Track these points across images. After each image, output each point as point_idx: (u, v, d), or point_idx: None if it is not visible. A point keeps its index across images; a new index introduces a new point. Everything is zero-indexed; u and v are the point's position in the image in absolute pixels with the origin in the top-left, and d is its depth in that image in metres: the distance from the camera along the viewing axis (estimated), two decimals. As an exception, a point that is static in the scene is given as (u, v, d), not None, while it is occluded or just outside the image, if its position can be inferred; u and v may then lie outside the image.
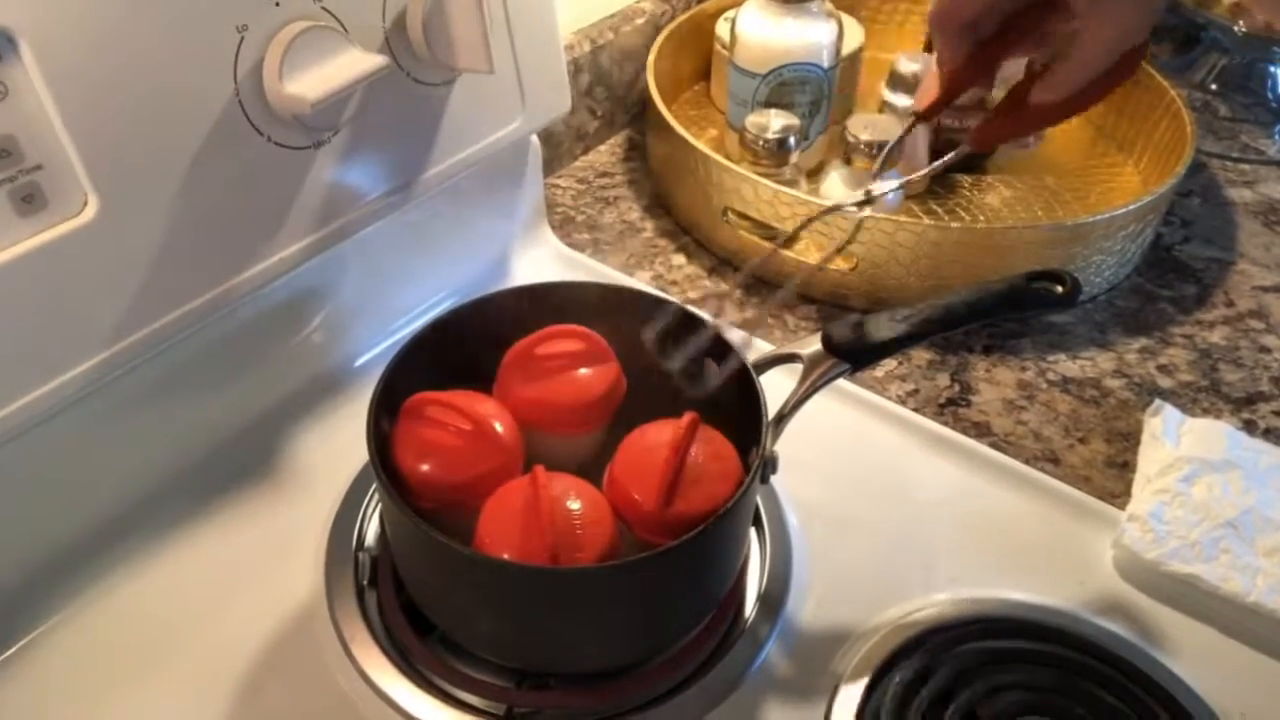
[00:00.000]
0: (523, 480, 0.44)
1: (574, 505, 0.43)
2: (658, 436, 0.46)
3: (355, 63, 0.48)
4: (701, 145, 0.73)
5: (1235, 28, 0.89)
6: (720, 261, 0.75)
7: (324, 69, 0.47)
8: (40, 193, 0.41)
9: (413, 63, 0.53)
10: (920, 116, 0.44)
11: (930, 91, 0.44)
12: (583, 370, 0.49)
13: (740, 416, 0.47)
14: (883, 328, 0.48)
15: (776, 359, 0.49)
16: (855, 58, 0.83)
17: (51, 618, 0.49)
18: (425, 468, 0.44)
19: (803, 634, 0.50)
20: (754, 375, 0.47)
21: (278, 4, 0.46)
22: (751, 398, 0.46)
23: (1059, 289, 0.49)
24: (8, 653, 0.48)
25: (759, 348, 0.63)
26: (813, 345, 0.48)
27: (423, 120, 0.56)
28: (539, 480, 0.43)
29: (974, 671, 0.47)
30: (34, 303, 0.42)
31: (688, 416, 0.46)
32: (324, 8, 0.48)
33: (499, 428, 0.45)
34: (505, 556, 0.41)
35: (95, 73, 0.41)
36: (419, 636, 0.48)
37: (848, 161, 0.73)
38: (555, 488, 0.43)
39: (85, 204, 0.43)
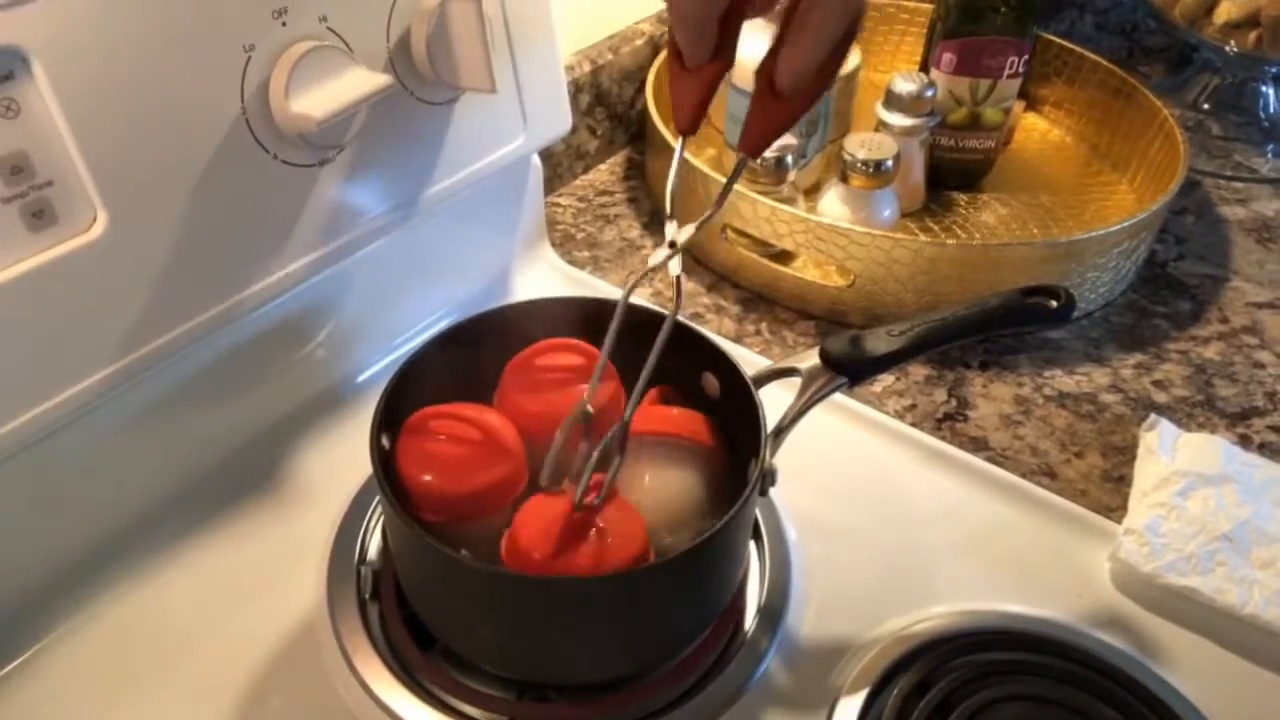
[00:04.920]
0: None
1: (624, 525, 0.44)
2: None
3: (360, 82, 0.48)
4: (700, 164, 0.73)
5: (1226, 48, 0.90)
6: (719, 278, 0.76)
7: (329, 88, 0.48)
8: (51, 208, 0.42)
9: (416, 82, 0.54)
10: (685, 132, 0.41)
11: (684, 104, 0.40)
12: (583, 385, 0.50)
13: (739, 429, 0.48)
14: (880, 342, 0.49)
15: (775, 373, 0.50)
16: (852, 78, 0.84)
17: (56, 630, 0.49)
18: (430, 479, 0.44)
19: (802, 646, 0.50)
20: (753, 389, 0.48)
21: (284, 24, 0.47)
22: (750, 411, 0.47)
23: (1053, 303, 0.50)
24: (14, 664, 0.48)
25: (757, 362, 0.63)
26: (811, 359, 0.49)
27: (426, 138, 0.57)
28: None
29: (973, 683, 0.47)
30: (43, 317, 0.43)
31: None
32: (329, 28, 0.49)
33: (506, 436, 0.46)
34: (535, 555, 0.41)
35: (106, 91, 0.42)
36: (421, 649, 0.48)
37: (845, 179, 0.74)
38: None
39: (94, 220, 0.43)
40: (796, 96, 0.38)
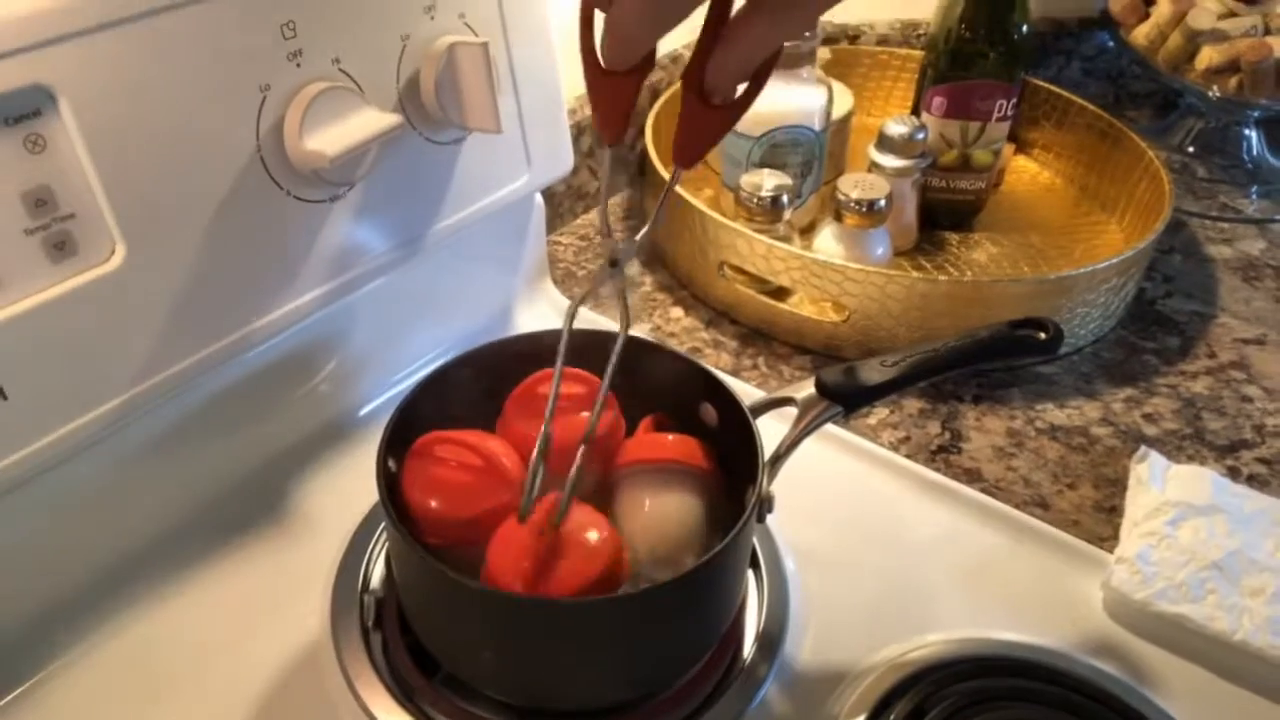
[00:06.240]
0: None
1: (591, 536, 0.44)
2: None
3: (371, 121, 0.50)
4: (699, 203, 0.75)
5: (1210, 93, 0.92)
6: (717, 314, 0.78)
7: (341, 127, 0.50)
8: (72, 240, 0.43)
9: (425, 122, 0.56)
10: (615, 143, 0.39)
11: (614, 112, 0.38)
12: (583, 414, 0.51)
13: (737, 458, 0.49)
14: (874, 372, 0.50)
15: (772, 403, 0.51)
16: (845, 121, 0.87)
17: (60, 657, 0.50)
18: (434, 504, 0.45)
19: (800, 673, 0.51)
20: (750, 418, 0.49)
21: (299, 66, 0.49)
22: (748, 439, 0.48)
23: (1042, 335, 0.51)
24: (18, 690, 0.48)
25: (754, 394, 0.64)
26: (806, 389, 0.50)
27: (433, 177, 0.59)
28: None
29: (967, 710, 0.48)
30: (61, 345, 0.44)
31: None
32: (342, 69, 0.51)
33: (507, 464, 0.47)
34: (516, 589, 0.42)
35: (128, 127, 0.43)
36: (424, 675, 0.49)
37: (839, 218, 0.76)
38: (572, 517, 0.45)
39: (113, 252, 0.45)
40: (727, 104, 0.36)
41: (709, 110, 0.36)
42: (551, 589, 0.43)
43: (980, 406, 0.69)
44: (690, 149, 0.39)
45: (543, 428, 0.45)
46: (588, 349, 0.53)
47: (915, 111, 0.86)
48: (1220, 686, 0.51)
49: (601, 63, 0.37)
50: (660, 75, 0.92)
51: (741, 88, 0.37)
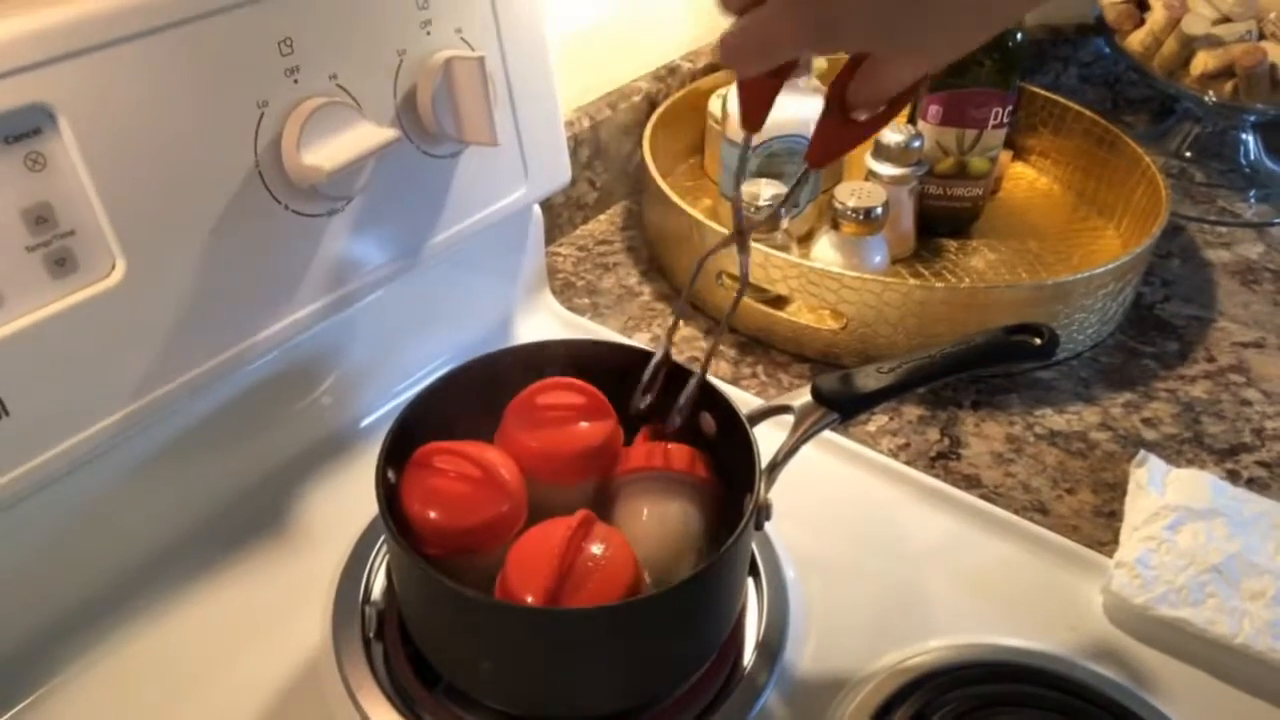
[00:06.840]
0: (565, 521, 0.45)
1: (597, 549, 0.44)
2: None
3: (368, 135, 0.51)
4: (697, 213, 0.76)
5: (1206, 98, 0.93)
6: (715, 323, 0.78)
7: (339, 141, 0.50)
8: (72, 256, 0.44)
9: (422, 136, 0.56)
10: (755, 130, 0.43)
11: (755, 106, 0.42)
12: (582, 424, 0.51)
13: (736, 466, 0.49)
14: (870, 379, 0.50)
15: (769, 411, 0.51)
16: (842, 130, 0.87)
17: (60, 673, 0.50)
18: (433, 514, 0.45)
19: (800, 681, 0.51)
20: (747, 426, 0.49)
21: (296, 82, 0.49)
22: (746, 447, 0.48)
23: (1037, 341, 0.52)
24: (18, 707, 0.49)
25: (753, 403, 0.65)
26: (803, 397, 0.51)
27: (431, 190, 0.59)
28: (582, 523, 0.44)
29: (968, 715, 0.48)
30: (62, 360, 0.44)
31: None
32: (339, 85, 0.51)
33: (505, 475, 0.47)
34: (529, 599, 0.42)
35: (127, 144, 0.44)
36: (425, 687, 0.49)
37: (836, 227, 0.76)
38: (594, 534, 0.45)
39: (114, 268, 0.45)
40: (863, 121, 0.40)
41: (847, 123, 0.40)
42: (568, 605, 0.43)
43: (979, 412, 0.70)
44: (824, 153, 0.43)
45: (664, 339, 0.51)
46: (589, 360, 0.53)
47: (911, 119, 0.86)
48: (1221, 690, 0.51)
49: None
50: (658, 87, 0.93)
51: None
